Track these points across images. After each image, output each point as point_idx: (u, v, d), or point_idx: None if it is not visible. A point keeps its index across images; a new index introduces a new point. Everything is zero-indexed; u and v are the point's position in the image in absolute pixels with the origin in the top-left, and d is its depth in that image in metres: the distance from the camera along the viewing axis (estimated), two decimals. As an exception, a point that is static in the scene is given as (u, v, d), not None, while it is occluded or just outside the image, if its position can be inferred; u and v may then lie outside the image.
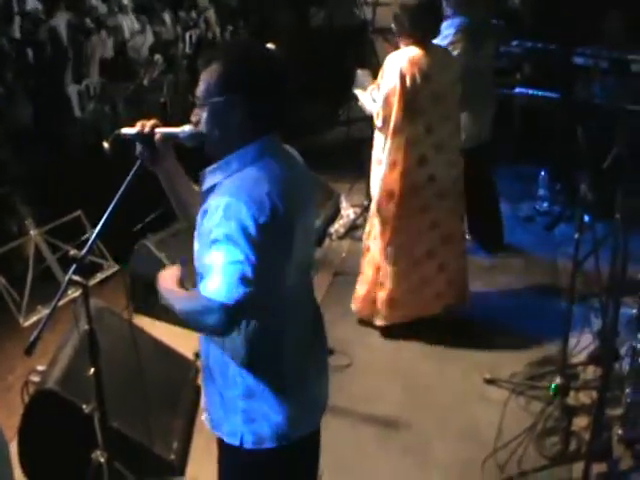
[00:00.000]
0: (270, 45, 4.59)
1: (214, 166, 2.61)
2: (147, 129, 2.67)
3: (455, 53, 5.63)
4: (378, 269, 5.30)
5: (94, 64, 7.56)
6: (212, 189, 2.57)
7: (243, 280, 2.40)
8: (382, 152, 5.11)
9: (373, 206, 5.29)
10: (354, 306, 5.51)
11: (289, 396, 2.70)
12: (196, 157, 2.71)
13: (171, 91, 8.33)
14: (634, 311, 4.52)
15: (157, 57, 8.26)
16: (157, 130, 2.68)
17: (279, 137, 2.68)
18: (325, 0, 10.71)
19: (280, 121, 2.65)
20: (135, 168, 2.69)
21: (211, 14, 9.75)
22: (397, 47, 5.16)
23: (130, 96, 7.67)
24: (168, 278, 2.71)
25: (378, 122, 5.03)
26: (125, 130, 2.72)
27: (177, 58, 8.47)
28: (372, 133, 5.31)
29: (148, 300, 5.45)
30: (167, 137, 2.68)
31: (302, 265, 2.70)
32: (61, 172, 5.86)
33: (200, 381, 2.99)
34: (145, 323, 5.19)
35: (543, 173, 7.21)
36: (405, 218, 5.16)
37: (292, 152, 2.77)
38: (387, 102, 4.95)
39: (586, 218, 4.59)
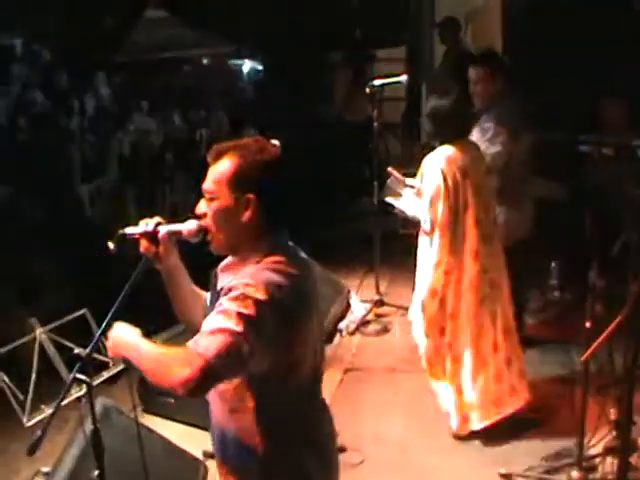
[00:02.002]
0: (275, 142, 4.64)
1: (224, 266, 2.67)
2: (150, 227, 2.69)
3: (495, 148, 5.61)
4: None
5: (113, 164, 7.68)
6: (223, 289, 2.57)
7: (234, 350, 2.38)
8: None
9: (418, 306, 5.19)
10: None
11: None
12: (200, 256, 2.72)
13: (182, 190, 8.42)
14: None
15: (167, 156, 8.39)
16: (160, 227, 2.70)
17: (286, 234, 2.70)
18: (334, 96, 10.94)
19: (286, 219, 2.68)
20: (140, 266, 2.70)
21: (221, 114, 9.94)
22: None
23: (141, 195, 7.75)
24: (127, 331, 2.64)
25: (426, 226, 5.01)
26: (129, 229, 2.74)
27: (187, 157, 8.59)
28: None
29: (158, 400, 5.42)
30: (171, 234, 2.69)
31: (314, 356, 2.69)
32: (69, 271, 5.91)
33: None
34: (155, 423, 5.11)
35: (554, 263, 7.18)
36: (461, 315, 5.09)
37: (297, 249, 2.77)
38: (432, 205, 4.94)
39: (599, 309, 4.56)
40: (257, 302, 2.42)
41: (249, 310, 2.40)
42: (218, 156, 2.62)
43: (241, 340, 2.39)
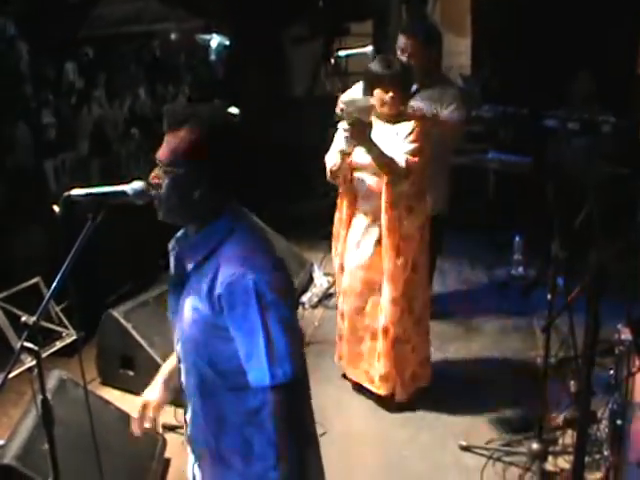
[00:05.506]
0: (233, 109, 4.59)
1: (191, 242, 2.55)
2: (95, 189, 2.62)
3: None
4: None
5: (78, 139, 7.58)
6: (198, 266, 2.50)
7: (286, 355, 2.41)
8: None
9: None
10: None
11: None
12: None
13: (148, 165, 8.33)
14: (611, 372, 4.44)
15: (133, 131, 8.30)
16: (106, 189, 2.63)
17: (239, 204, 2.61)
18: (303, 70, 10.86)
19: (238, 189, 2.58)
20: (86, 229, 2.63)
21: (187, 89, 9.84)
22: None
23: (106, 170, 7.67)
24: None
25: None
26: (75, 192, 2.67)
27: (153, 132, 8.49)
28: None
29: (116, 372, 5.38)
30: (115, 195, 2.62)
31: None
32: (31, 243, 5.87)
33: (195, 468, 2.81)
34: (113, 396, 5.07)
35: (517, 238, 7.16)
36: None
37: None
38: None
39: (560, 282, 4.55)
40: (265, 293, 2.40)
41: (269, 301, 2.41)
42: (173, 125, 2.51)
43: (290, 329, 2.46)
